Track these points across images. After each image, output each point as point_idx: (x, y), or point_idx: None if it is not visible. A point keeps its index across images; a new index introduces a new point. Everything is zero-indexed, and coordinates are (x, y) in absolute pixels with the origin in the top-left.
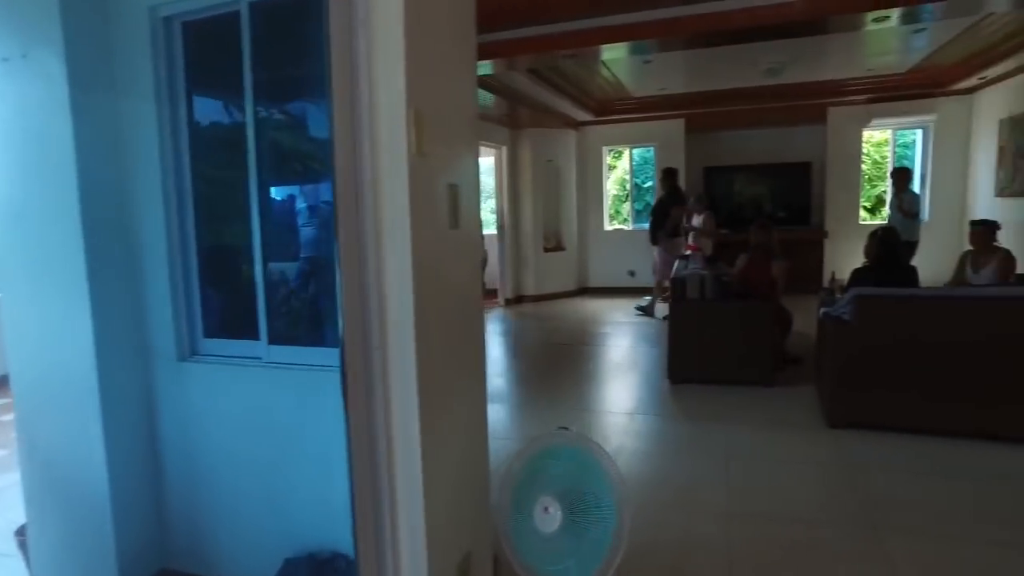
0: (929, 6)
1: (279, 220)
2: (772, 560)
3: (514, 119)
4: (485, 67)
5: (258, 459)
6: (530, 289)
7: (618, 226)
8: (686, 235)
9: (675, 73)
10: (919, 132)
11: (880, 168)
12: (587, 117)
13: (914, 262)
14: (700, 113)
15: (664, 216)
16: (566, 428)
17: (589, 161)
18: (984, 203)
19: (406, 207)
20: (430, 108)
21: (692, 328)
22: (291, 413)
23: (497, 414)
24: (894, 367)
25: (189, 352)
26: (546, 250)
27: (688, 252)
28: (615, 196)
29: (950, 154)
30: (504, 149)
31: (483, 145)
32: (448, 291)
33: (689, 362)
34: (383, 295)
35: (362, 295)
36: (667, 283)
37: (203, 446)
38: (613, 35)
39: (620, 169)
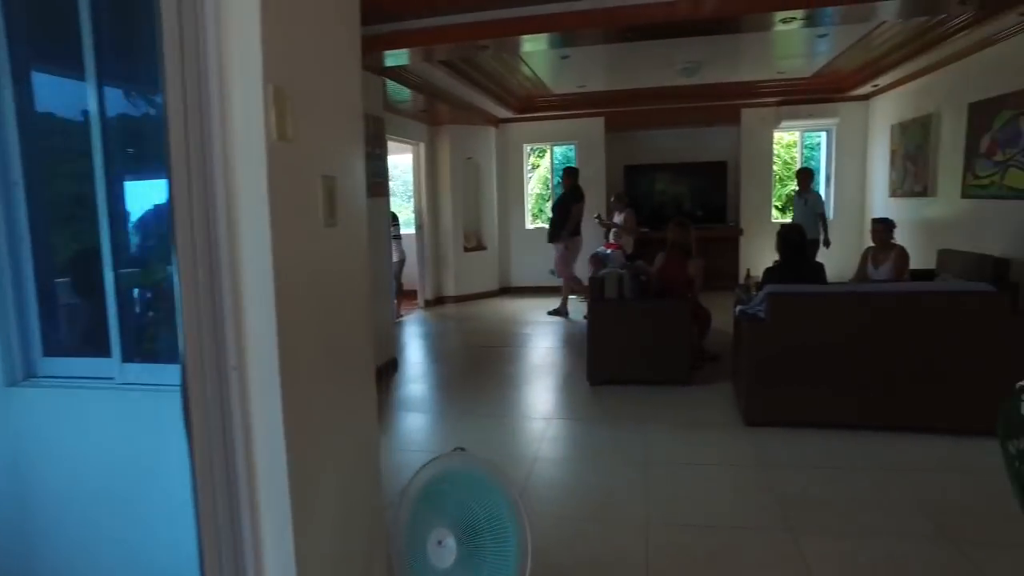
0: (829, 10)
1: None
2: (691, 571)
3: (432, 115)
4: (401, 57)
5: (109, 497)
6: (451, 290)
7: (540, 225)
8: (607, 233)
9: (594, 70)
10: (824, 135)
11: (789, 168)
12: (508, 114)
13: (819, 259)
14: (619, 112)
15: (566, 214)
16: (462, 449)
17: (510, 158)
18: (880, 203)
19: (265, 201)
20: (298, 87)
21: (611, 328)
22: (149, 442)
23: (415, 423)
24: (807, 363)
25: (23, 375)
26: (466, 250)
27: (609, 251)
28: (538, 195)
29: (851, 156)
30: (422, 146)
31: (400, 142)
32: (325, 297)
33: (608, 363)
34: (239, 295)
35: (215, 305)
36: (571, 282)
37: (40, 487)
38: (529, 26)
39: (543, 168)
